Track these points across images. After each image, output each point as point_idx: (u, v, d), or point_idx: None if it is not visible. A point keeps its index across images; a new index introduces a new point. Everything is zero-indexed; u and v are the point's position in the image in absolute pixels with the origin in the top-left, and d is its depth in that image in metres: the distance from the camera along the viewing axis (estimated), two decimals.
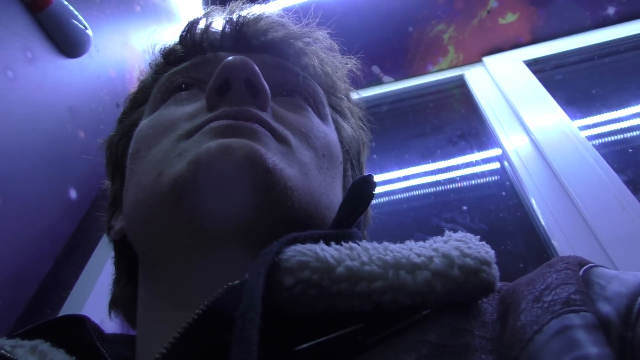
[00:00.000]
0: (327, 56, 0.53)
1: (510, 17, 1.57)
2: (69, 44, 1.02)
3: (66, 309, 0.83)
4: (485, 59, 1.61)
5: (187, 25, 0.51)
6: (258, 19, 0.49)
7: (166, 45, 0.53)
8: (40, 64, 0.95)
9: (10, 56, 0.87)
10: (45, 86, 0.95)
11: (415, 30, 1.63)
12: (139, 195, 0.39)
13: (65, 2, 0.99)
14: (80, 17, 1.03)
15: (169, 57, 0.51)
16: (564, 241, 0.97)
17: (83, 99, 1.06)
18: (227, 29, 0.49)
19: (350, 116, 0.56)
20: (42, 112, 0.93)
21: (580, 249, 0.94)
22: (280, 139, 0.40)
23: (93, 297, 0.86)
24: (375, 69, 1.71)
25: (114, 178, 0.52)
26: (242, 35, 0.48)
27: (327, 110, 0.50)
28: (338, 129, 0.52)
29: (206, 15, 0.51)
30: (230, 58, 0.40)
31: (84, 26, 1.04)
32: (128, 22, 1.31)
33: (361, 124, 0.59)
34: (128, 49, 1.28)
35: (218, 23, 0.50)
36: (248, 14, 0.49)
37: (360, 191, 0.38)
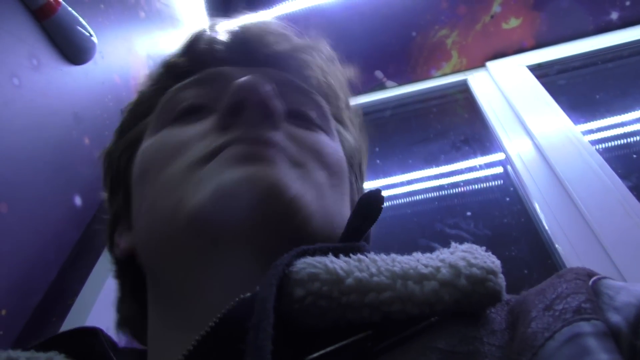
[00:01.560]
0: (328, 67, 0.52)
1: (513, 22, 1.58)
2: (74, 50, 1.02)
3: (72, 316, 0.83)
4: (489, 64, 1.61)
5: (191, 37, 0.50)
6: (263, 31, 0.48)
7: (169, 57, 0.52)
8: (46, 70, 0.95)
9: (16, 63, 0.88)
10: (51, 93, 0.95)
11: (418, 35, 1.64)
12: (157, 222, 0.39)
13: (71, 9, 1.00)
14: (85, 24, 1.04)
15: (171, 70, 0.50)
16: (568, 247, 0.96)
17: (88, 106, 1.06)
18: (232, 42, 0.48)
19: (351, 126, 0.55)
20: (48, 119, 0.93)
21: (584, 255, 0.94)
22: (296, 163, 0.39)
23: (99, 304, 0.86)
24: (379, 73, 1.71)
25: (113, 192, 0.51)
26: (248, 49, 0.48)
27: (332, 124, 0.49)
28: (342, 140, 0.51)
29: (210, 27, 0.50)
30: (243, 79, 0.39)
31: (89, 33, 1.05)
32: (132, 28, 1.32)
33: (361, 134, 0.58)
34: (132, 55, 1.28)
35: (223, 35, 0.49)
36: (253, 26, 0.49)
37: (368, 205, 0.39)
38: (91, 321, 0.83)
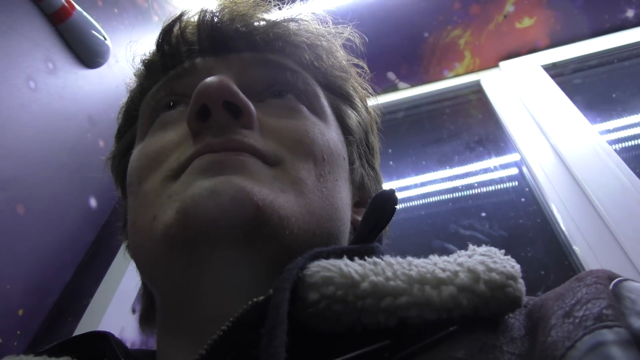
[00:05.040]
0: (316, 36, 0.48)
1: (527, 22, 1.56)
2: (88, 54, 1.03)
3: (87, 316, 0.84)
4: (502, 64, 1.60)
5: (162, 31, 0.47)
6: (232, 14, 0.45)
7: (146, 54, 0.50)
8: (61, 74, 0.96)
9: (33, 67, 0.89)
10: (66, 96, 0.97)
11: (431, 35, 1.63)
12: (137, 236, 0.39)
13: (85, 14, 1.01)
14: (99, 28, 1.05)
15: (149, 69, 0.48)
16: (586, 248, 0.95)
17: (102, 109, 1.07)
18: (203, 30, 0.45)
19: (354, 96, 0.51)
20: (63, 122, 0.94)
21: (602, 256, 0.92)
22: (270, 162, 0.38)
23: (114, 304, 0.87)
24: (391, 75, 1.70)
25: (125, 196, 0.50)
26: (219, 36, 0.45)
27: (324, 102, 0.46)
28: (341, 117, 0.48)
29: (180, 17, 0.47)
30: (204, 81, 0.37)
31: (103, 37, 1.06)
32: (146, 32, 1.33)
33: (367, 103, 0.55)
34: None
35: (194, 24, 0.46)
36: (223, 10, 0.46)
37: (381, 206, 0.38)
38: (106, 321, 0.83)
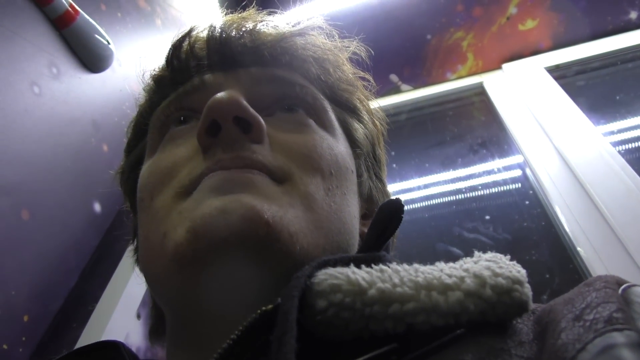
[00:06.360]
0: (322, 50, 0.48)
1: (530, 24, 1.56)
2: (92, 58, 1.04)
3: (93, 322, 0.84)
4: (505, 66, 1.60)
5: (171, 46, 0.48)
6: (239, 29, 0.46)
7: (156, 70, 0.50)
8: (65, 79, 0.97)
9: (37, 72, 0.89)
10: (70, 101, 0.97)
11: (433, 37, 1.63)
12: (147, 252, 0.39)
13: (89, 18, 1.01)
14: (103, 32, 1.05)
15: (159, 84, 0.49)
16: (590, 250, 0.95)
17: (106, 113, 1.08)
18: (212, 46, 0.46)
19: (361, 109, 0.52)
20: (67, 126, 0.95)
21: (607, 258, 0.92)
22: (279, 179, 0.38)
23: (119, 310, 0.87)
24: (394, 77, 1.71)
25: (134, 211, 0.51)
26: (228, 51, 0.46)
27: (331, 116, 0.47)
28: (348, 130, 0.49)
29: (189, 33, 0.48)
30: (215, 97, 0.37)
31: (107, 41, 1.06)
32: (149, 36, 1.33)
33: (374, 116, 0.55)
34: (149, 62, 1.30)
35: (203, 39, 0.47)
36: (231, 26, 0.46)
37: (388, 215, 0.38)
38: (111, 326, 0.83)
